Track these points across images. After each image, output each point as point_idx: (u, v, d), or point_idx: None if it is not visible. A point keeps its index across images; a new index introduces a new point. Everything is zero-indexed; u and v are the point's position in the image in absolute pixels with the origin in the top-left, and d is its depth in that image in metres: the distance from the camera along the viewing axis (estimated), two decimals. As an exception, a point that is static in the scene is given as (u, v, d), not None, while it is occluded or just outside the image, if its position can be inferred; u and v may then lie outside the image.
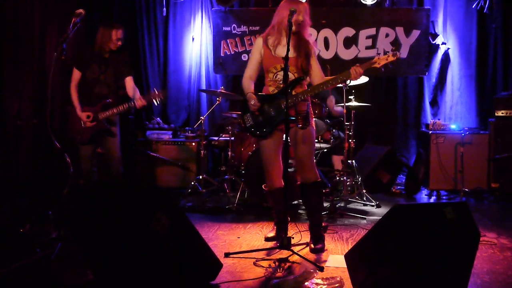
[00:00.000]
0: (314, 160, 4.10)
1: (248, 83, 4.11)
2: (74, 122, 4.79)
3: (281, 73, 3.92)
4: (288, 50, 3.68)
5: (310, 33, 4.12)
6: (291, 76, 3.93)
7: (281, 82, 3.93)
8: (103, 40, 4.75)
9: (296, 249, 3.82)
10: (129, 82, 4.90)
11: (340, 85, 5.42)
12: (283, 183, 3.97)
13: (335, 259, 3.75)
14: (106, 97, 4.79)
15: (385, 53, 3.87)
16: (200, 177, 6.06)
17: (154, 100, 4.80)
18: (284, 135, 3.75)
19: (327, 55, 7.39)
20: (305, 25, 3.99)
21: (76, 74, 4.84)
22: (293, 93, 3.90)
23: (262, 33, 4.14)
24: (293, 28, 3.80)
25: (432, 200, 6.32)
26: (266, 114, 3.99)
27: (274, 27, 4.03)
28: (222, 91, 6.06)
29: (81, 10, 4.11)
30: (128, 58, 4.97)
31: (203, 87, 7.65)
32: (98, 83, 4.80)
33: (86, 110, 4.75)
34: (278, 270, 3.30)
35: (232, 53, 7.58)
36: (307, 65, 3.99)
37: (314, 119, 4.20)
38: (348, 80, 4.37)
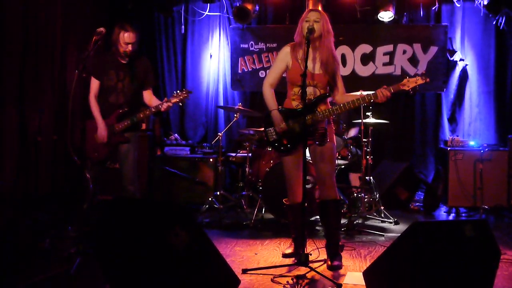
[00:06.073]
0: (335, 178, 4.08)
1: (270, 93, 4.04)
2: (90, 138, 4.50)
3: (309, 89, 3.90)
4: (306, 67, 3.69)
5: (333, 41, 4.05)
6: (317, 93, 3.94)
7: (307, 98, 3.83)
8: (113, 41, 4.45)
9: (314, 266, 3.80)
10: (148, 93, 4.67)
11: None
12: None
13: (353, 276, 3.73)
14: (121, 106, 4.49)
15: (414, 75, 3.82)
16: (218, 193, 6.07)
17: (179, 101, 4.46)
18: (305, 151, 3.73)
19: (344, 71, 7.37)
20: (325, 35, 3.93)
21: (94, 84, 4.54)
22: (318, 110, 3.89)
23: (290, 43, 4.07)
24: (311, 36, 3.79)
25: (451, 217, 6.26)
26: (290, 129, 3.97)
27: (300, 42, 3.98)
28: (240, 107, 6.09)
29: (102, 29, 4.15)
30: (150, 65, 4.69)
31: (221, 103, 7.70)
32: (114, 91, 4.51)
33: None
34: (296, 287, 3.28)
35: (250, 70, 7.63)
36: (333, 82, 3.99)
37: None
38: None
